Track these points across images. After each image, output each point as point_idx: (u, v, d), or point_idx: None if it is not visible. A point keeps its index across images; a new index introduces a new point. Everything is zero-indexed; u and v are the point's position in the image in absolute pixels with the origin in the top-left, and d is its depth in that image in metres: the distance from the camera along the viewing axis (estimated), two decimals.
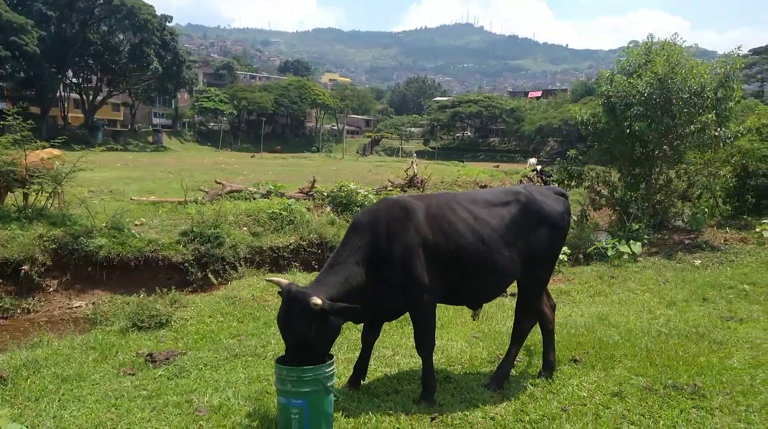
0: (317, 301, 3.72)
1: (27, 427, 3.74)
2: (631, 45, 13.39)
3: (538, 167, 28.15)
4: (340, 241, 14.19)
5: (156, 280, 13.02)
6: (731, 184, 14.47)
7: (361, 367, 4.65)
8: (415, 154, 69.06)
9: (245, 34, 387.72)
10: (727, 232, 12.69)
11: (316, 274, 9.69)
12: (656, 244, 12.22)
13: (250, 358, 5.26)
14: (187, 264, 13.08)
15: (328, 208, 17.98)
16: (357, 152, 75.32)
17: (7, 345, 6.95)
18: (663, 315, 7.00)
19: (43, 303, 11.20)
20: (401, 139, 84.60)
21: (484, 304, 5.58)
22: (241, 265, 10.38)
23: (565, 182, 14.38)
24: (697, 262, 10.81)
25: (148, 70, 53.05)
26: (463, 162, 55.92)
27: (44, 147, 13.15)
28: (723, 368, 5.09)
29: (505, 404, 4.31)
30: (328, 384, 3.82)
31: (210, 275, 10.28)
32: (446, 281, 4.34)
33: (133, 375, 4.87)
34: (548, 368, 4.88)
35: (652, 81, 11.94)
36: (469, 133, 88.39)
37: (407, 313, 4.60)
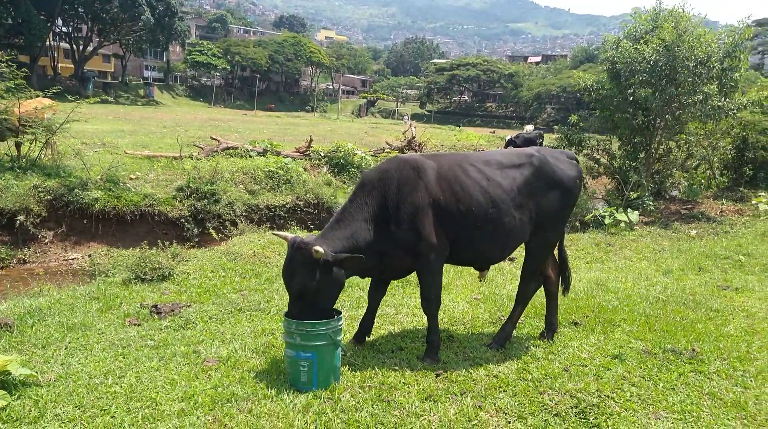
0: (319, 249, 3.74)
1: (36, 372, 3.75)
2: (637, 10, 13.10)
3: (509, 137, 27.67)
4: (335, 201, 14.04)
5: (152, 235, 12.99)
6: (729, 156, 14.49)
7: (366, 324, 4.69)
8: (407, 117, 68.70)
9: None
10: (723, 203, 12.78)
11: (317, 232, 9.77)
12: (653, 213, 12.29)
13: (254, 313, 5.29)
14: (183, 220, 13.06)
15: (325, 169, 17.87)
16: (352, 113, 74.41)
17: (6, 294, 6.95)
18: (660, 282, 7.09)
19: (39, 254, 11.17)
20: (397, 101, 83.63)
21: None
22: (241, 222, 10.31)
23: (565, 149, 14.30)
24: (693, 232, 10.91)
25: (140, 21, 51.60)
26: (459, 127, 55.52)
27: (36, 96, 12.87)
28: (720, 335, 5.19)
29: (507, 363, 4.38)
30: (337, 338, 3.86)
31: (211, 231, 10.23)
32: (455, 242, 4.34)
33: (139, 325, 4.88)
34: (550, 330, 4.94)
35: (658, 48, 11.77)
36: (466, 98, 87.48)
37: (413, 272, 4.62)
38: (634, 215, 11.05)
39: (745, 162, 14.17)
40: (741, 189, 13.91)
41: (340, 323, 3.91)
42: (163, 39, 58.25)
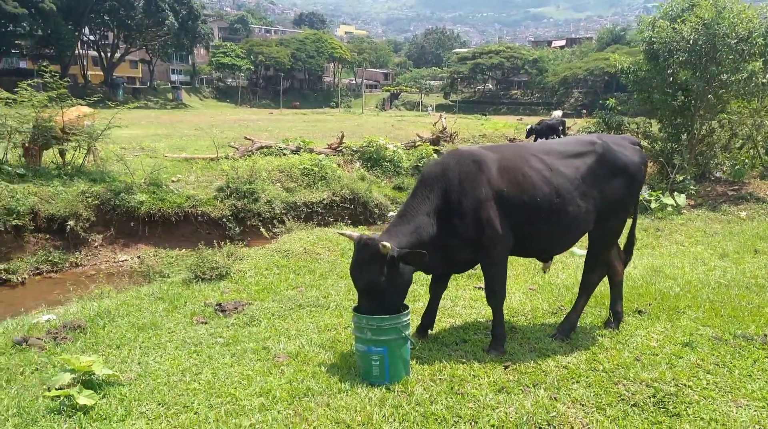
0: (386, 244, 3.78)
1: (117, 372, 3.87)
2: None
3: (530, 126, 27.15)
4: (370, 196, 14.06)
5: (196, 235, 13.24)
6: None
7: (429, 317, 4.70)
8: (431, 108, 68.20)
9: None
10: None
11: (359, 228, 9.75)
12: (699, 195, 12.00)
13: (314, 309, 5.35)
14: (225, 219, 13.26)
15: (357, 164, 17.93)
16: (376, 107, 74.38)
17: (67, 297, 7.16)
18: (718, 267, 6.93)
19: (90, 257, 11.48)
20: (421, 93, 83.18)
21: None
22: (289, 220, 10.41)
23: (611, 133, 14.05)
24: (743, 214, 10.62)
25: (164, 26, 52.48)
26: (485, 115, 54.94)
27: (76, 105, 13.20)
28: None
29: (576, 354, 4.34)
30: (406, 332, 3.88)
31: (262, 229, 10.36)
32: (519, 233, 4.31)
33: (206, 324, 4.99)
34: (615, 319, 4.87)
35: (697, 26, 11.46)
36: (490, 86, 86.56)
37: (475, 265, 4.61)
38: (681, 199, 10.82)
39: None
40: None
41: (407, 318, 3.93)
42: (187, 42, 59.21)
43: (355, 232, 4.18)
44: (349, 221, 15.14)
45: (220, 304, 5.29)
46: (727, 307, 5.31)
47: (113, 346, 4.51)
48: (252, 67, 71.25)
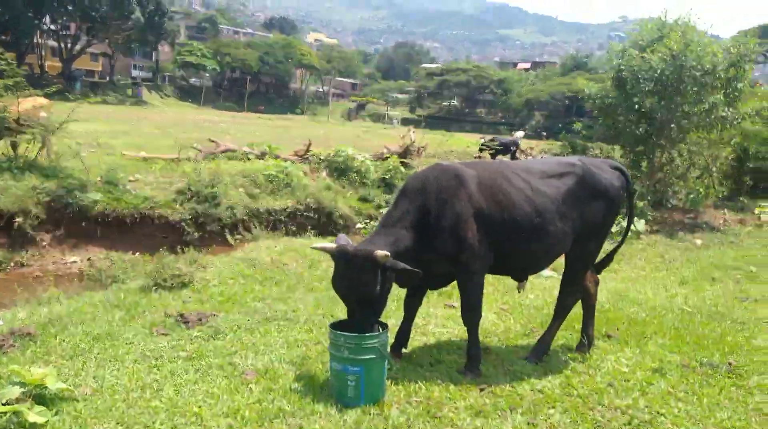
0: (386, 253, 3.65)
1: (70, 386, 3.59)
2: (644, 19, 13.18)
3: (483, 140, 26.67)
4: (336, 206, 13.90)
5: (152, 239, 12.76)
6: (729, 166, 14.63)
7: (403, 335, 4.59)
8: (396, 121, 68.54)
9: None
10: (725, 213, 12.89)
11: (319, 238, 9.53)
12: (657, 222, 12.34)
13: (282, 322, 5.15)
14: (183, 223, 12.83)
15: (324, 173, 17.71)
16: (342, 116, 74.23)
17: (12, 299, 6.74)
18: (679, 293, 7.08)
19: (36, 257, 10.89)
20: (387, 105, 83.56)
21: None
22: (255, 228, 10.14)
23: (568, 156, 14.34)
24: (699, 241, 10.97)
25: (130, 20, 51.07)
26: (449, 131, 55.53)
27: (33, 95, 12.62)
28: (752, 348, 5.16)
29: (550, 378, 4.29)
30: (386, 351, 3.76)
31: (228, 237, 10.01)
32: (498, 251, 4.27)
33: (167, 335, 4.71)
34: (587, 343, 4.88)
35: (665, 57, 11.86)
36: (456, 103, 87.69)
37: (451, 282, 4.54)
38: (640, 224, 11.09)
39: (745, 172, 14.31)
40: (741, 199, 14.04)
41: (387, 336, 3.81)
42: (152, 38, 57.79)
43: (327, 242, 4.01)
44: (313, 231, 14.92)
45: (183, 314, 5.02)
46: (691, 335, 5.40)
47: (66, 357, 4.20)
48: (218, 68, 70.08)
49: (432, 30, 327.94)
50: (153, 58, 70.34)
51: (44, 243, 11.17)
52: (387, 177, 18.11)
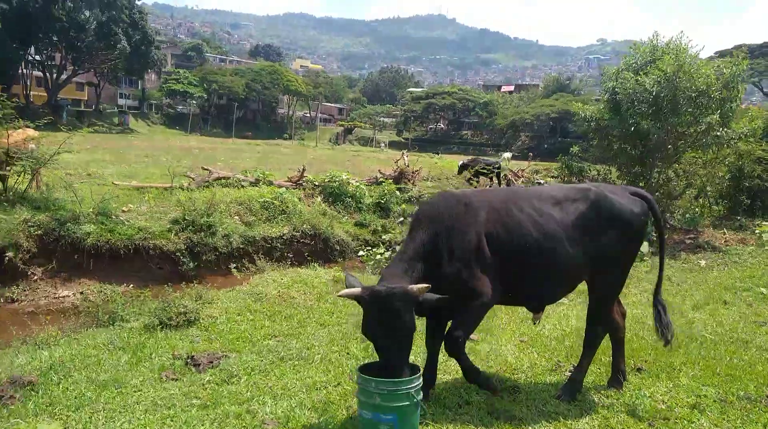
0: (424, 285, 3.49)
1: None
2: (636, 42, 13.29)
3: (462, 161, 25.99)
4: (332, 232, 13.64)
5: (146, 271, 12.46)
6: (725, 185, 14.67)
7: (431, 376, 4.35)
8: (384, 145, 68.86)
9: (214, 16, 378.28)
10: (725, 232, 12.84)
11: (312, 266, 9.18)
12: (656, 243, 12.25)
13: (297, 362, 4.89)
14: (179, 253, 12.54)
15: (319, 199, 17.53)
16: (330, 141, 74.37)
17: (6, 339, 6.42)
18: (696, 319, 6.93)
19: (27, 292, 10.52)
20: (374, 129, 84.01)
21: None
22: (260, 259, 9.88)
23: (565, 179, 14.32)
24: (702, 262, 10.88)
25: (116, 50, 51.00)
26: (438, 154, 55.78)
27: (19, 127, 12.35)
28: None
29: (587, 418, 4.08)
30: (419, 397, 3.52)
31: (233, 271, 9.69)
32: (509, 279, 4.13)
33: (178, 380, 4.44)
34: (618, 379, 4.67)
35: (659, 79, 11.92)
36: (442, 125, 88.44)
37: None
38: (644, 246, 10.98)
39: (741, 191, 14.35)
40: (738, 217, 14.03)
41: (420, 381, 3.58)
42: (139, 67, 57.74)
43: (355, 283, 3.74)
44: (309, 257, 14.67)
45: (193, 356, 4.75)
46: (721, 365, 5.23)
47: (72, 408, 3.91)
48: (205, 95, 70.09)
49: (415, 55, 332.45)
50: (139, 86, 70.27)
51: (36, 277, 10.80)
52: (382, 201, 17.97)
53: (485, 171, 23.44)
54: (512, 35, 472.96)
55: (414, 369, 3.68)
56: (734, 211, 14.53)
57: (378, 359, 3.68)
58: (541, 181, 22.43)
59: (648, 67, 12.42)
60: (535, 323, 5.33)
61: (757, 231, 12.02)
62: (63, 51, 51.33)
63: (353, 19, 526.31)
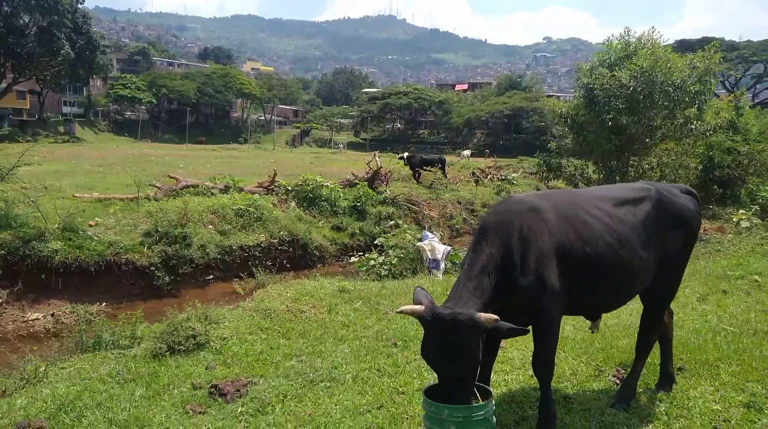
0: (493, 317, 3.15)
1: None
2: (609, 38, 13.44)
3: (405, 155, 26.19)
4: (310, 237, 13.14)
5: (118, 287, 11.82)
6: (695, 176, 15.03)
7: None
8: (342, 145, 68.45)
9: (159, 19, 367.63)
10: (702, 222, 13.14)
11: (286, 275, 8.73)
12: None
13: (328, 384, 4.53)
14: (153, 267, 11.92)
15: (293, 204, 17.05)
16: (286, 143, 73.30)
17: None
18: (709, 311, 6.92)
19: None
20: (331, 130, 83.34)
21: None
22: (260, 273, 9.40)
23: (544, 175, 14.36)
24: None
25: (59, 56, 48.61)
26: (397, 153, 55.67)
27: None
28: None
29: (650, 426, 3.91)
30: (493, 421, 3.25)
31: (237, 286, 9.07)
32: (577, 289, 3.84)
33: (205, 413, 4.00)
34: (668, 381, 4.51)
35: (635, 74, 12.07)
36: (398, 125, 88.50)
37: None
38: None
39: (712, 181, 14.74)
40: (711, 207, 14.39)
41: (493, 404, 3.30)
42: (83, 73, 55.43)
43: (423, 299, 3.37)
44: (288, 265, 14.21)
45: (216, 385, 4.32)
46: (754, 359, 5.17)
47: None
48: (154, 101, 67.77)
49: (367, 56, 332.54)
50: (84, 93, 67.36)
51: (0, 300, 10.00)
52: (358, 204, 17.65)
53: (423, 163, 23.67)
54: (461, 35, 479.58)
55: (485, 392, 3.40)
56: (706, 200, 14.89)
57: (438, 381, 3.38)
58: (509, 177, 22.73)
59: (624, 62, 12.56)
60: (593, 331, 5.11)
61: (734, 218, 12.32)
62: (1, 58, 48.57)
63: (304, 21, 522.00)
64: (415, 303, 3.35)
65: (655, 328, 4.39)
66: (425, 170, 23.52)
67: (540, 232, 3.71)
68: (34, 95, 58.07)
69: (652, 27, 13.09)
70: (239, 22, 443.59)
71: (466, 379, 3.20)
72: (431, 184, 22.54)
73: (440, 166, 23.97)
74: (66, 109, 66.57)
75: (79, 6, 52.44)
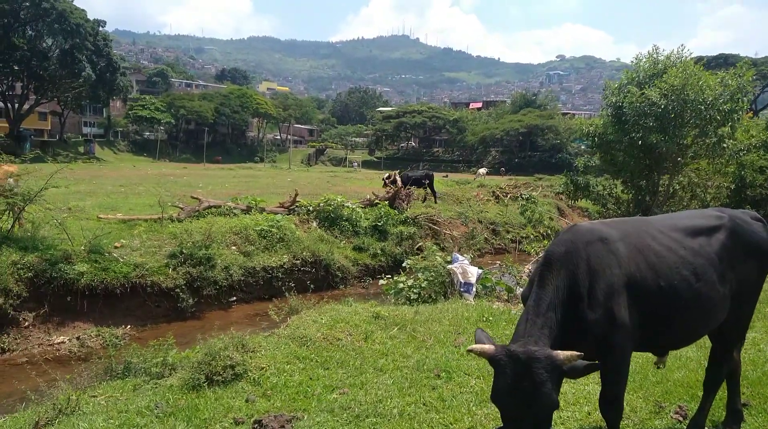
0: (571, 355, 2.94)
1: None
2: (637, 56, 13.27)
3: (393, 173, 24.98)
4: (333, 258, 12.93)
5: (143, 309, 11.72)
6: (727, 195, 14.69)
7: None
8: (356, 164, 68.50)
9: (177, 41, 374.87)
10: None
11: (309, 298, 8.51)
12: None
13: (375, 420, 4.32)
14: (178, 289, 11.82)
15: (315, 224, 16.95)
16: (302, 162, 73.75)
17: (10, 402, 5.67)
18: (759, 339, 6.62)
19: (19, 340, 9.66)
20: (346, 149, 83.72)
21: None
22: (293, 298, 9.24)
23: (571, 194, 14.12)
24: None
25: (80, 77, 49.54)
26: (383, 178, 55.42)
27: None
28: None
29: None
30: None
31: (272, 313, 8.78)
32: (648, 325, 3.62)
33: None
34: (736, 419, 4.25)
35: (666, 92, 11.86)
36: (413, 144, 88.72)
37: None
38: None
39: (744, 200, 14.38)
40: None
41: None
42: (104, 95, 56.26)
43: (485, 339, 3.18)
44: (312, 286, 14.05)
45: (260, 421, 4.13)
46: None
47: None
48: (172, 121, 68.70)
49: (381, 76, 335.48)
50: (104, 114, 68.49)
51: (26, 323, 9.94)
52: (379, 224, 17.51)
53: (409, 181, 22.68)
54: (474, 53, 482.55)
55: None
56: None
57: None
58: (532, 196, 22.46)
59: (653, 80, 12.37)
60: (659, 367, 4.87)
61: None
62: (25, 80, 49.59)
63: (318, 41, 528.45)
64: (478, 342, 3.15)
65: (726, 364, 4.14)
66: (422, 188, 23.05)
67: (609, 264, 3.50)
68: (55, 116, 59.13)
69: (682, 45, 13.04)
70: (255, 43, 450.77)
71: (541, 426, 2.97)
72: (424, 198, 22.55)
73: (428, 182, 23.08)
74: (86, 130, 67.67)
75: (100, 29, 53.49)
